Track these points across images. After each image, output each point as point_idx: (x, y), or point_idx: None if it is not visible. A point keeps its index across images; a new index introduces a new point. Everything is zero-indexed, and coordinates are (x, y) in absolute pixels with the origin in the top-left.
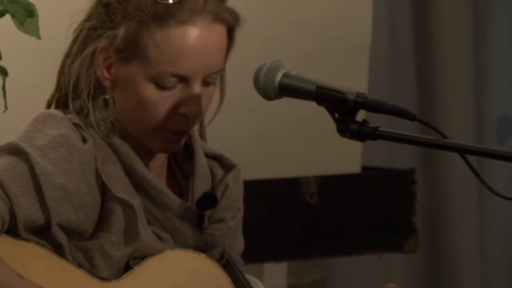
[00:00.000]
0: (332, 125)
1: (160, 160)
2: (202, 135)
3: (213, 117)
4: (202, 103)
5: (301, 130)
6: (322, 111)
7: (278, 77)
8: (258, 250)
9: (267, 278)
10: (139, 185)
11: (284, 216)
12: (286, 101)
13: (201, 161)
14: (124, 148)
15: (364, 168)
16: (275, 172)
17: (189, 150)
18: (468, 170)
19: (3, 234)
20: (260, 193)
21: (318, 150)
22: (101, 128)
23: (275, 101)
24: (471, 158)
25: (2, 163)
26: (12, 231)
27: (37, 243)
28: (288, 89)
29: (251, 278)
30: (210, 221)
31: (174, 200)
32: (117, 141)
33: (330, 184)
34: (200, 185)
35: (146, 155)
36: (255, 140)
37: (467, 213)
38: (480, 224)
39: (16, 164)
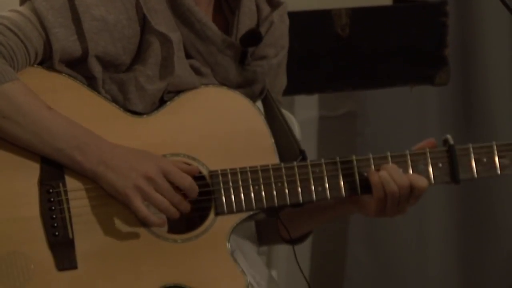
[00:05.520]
0: None
1: None
2: None
3: None
4: None
5: None
6: None
7: None
8: (290, 82)
9: (298, 110)
10: (184, 17)
11: (316, 48)
12: None
13: None
14: None
15: (395, 0)
16: (307, 4)
17: None
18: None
19: (36, 66)
20: (291, 25)
21: None
22: None
23: None
24: None
25: None
26: (46, 63)
27: (69, 75)
28: None
29: (283, 112)
30: (253, 58)
31: (218, 35)
32: None
33: (362, 16)
34: (245, 20)
35: None
36: None
37: (499, 46)
38: None
39: None
